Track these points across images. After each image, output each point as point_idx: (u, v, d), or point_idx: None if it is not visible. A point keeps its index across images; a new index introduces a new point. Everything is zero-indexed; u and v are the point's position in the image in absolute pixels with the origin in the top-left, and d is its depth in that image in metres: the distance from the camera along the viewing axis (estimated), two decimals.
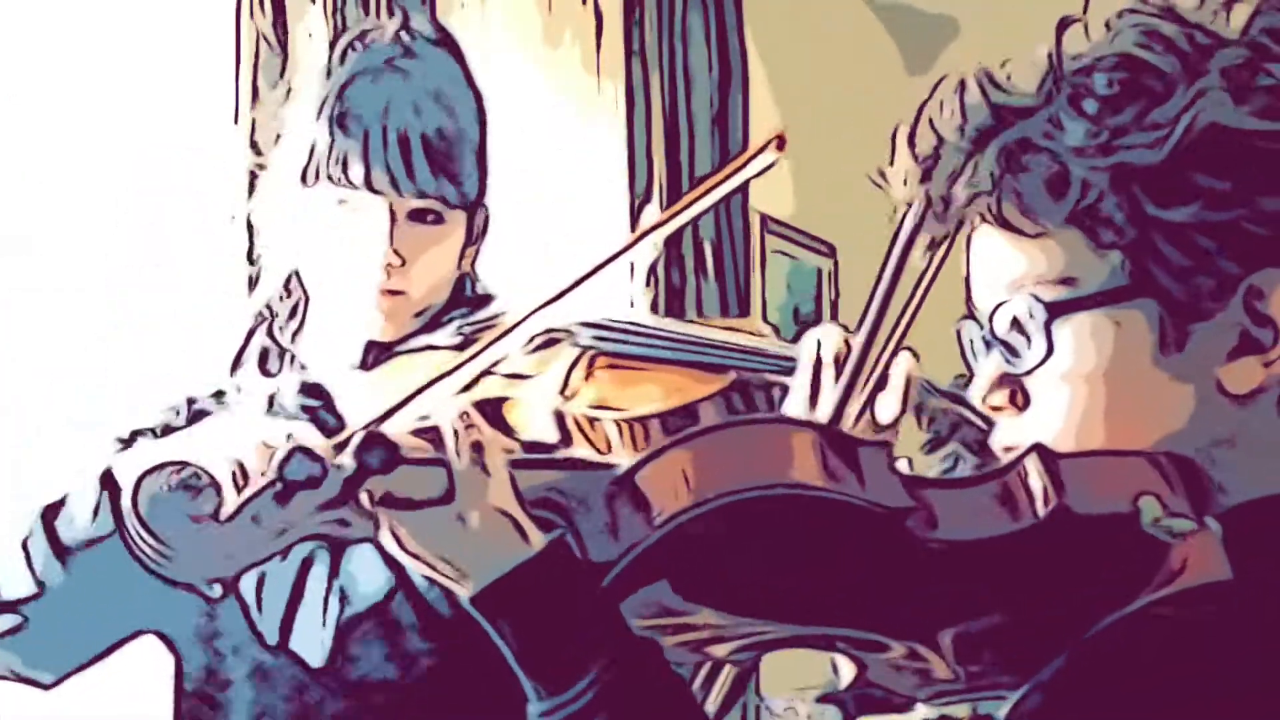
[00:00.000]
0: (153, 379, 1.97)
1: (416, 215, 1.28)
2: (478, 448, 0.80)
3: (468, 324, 1.30)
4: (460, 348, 1.20)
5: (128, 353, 2.03)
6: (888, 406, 1.09)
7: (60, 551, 1.20)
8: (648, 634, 0.79)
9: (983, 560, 0.73)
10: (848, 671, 0.79)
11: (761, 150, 1.13)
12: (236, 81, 2.17)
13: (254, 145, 1.82)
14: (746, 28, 2.71)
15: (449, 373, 1.14)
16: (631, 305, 2.49)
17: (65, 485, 1.34)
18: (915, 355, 1.07)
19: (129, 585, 1.18)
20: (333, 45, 1.89)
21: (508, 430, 1.18)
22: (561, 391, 1.18)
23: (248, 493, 0.89)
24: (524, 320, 1.14)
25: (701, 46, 2.65)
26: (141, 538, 1.06)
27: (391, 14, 2.06)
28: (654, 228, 1.23)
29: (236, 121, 2.15)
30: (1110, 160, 0.73)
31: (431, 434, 0.80)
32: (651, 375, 1.20)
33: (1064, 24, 0.77)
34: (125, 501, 1.10)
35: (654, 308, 2.62)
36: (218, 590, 1.23)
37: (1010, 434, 0.77)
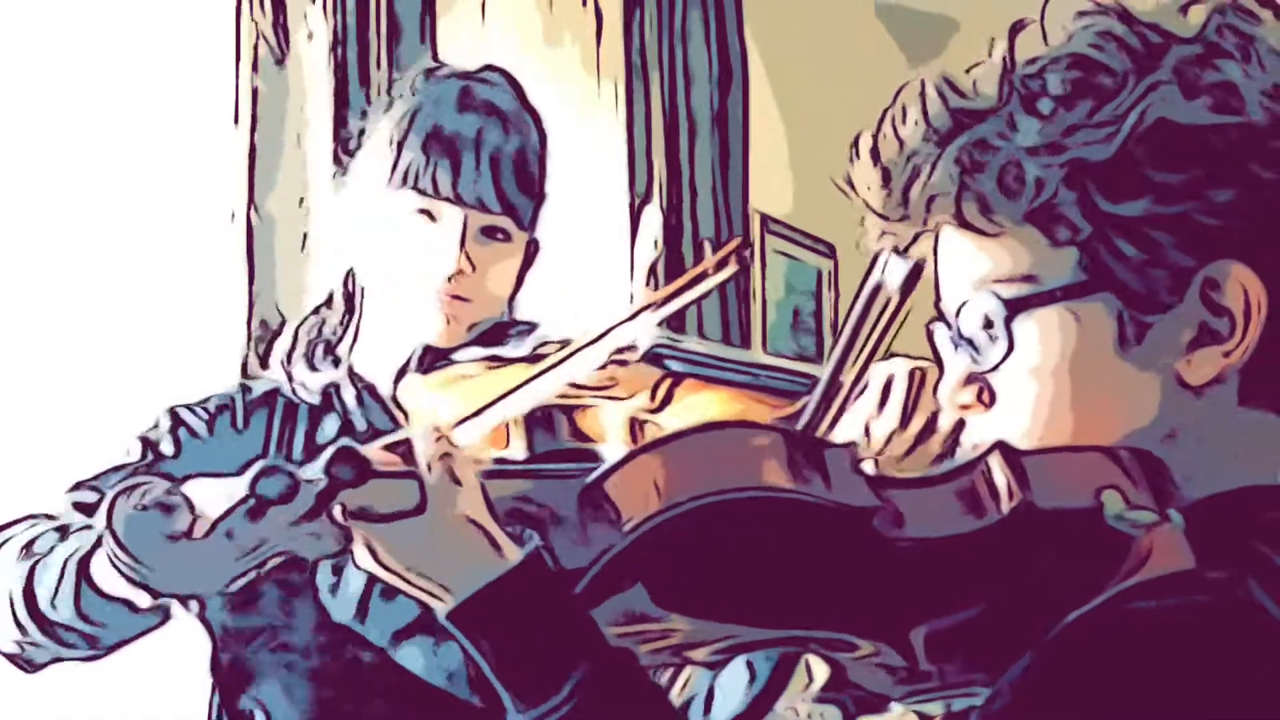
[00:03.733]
0: (151, 380, 1.96)
1: (488, 231, 1.35)
2: (448, 460, 0.80)
3: (532, 340, 1.33)
4: (530, 360, 1.22)
5: (125, 353, 2.04)
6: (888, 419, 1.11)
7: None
8: (623, 642, 0.79)
9: (950, 557, 0.73)
10: (822, 673, 0.80)
11: (726, 258, 1.19)
12: (236, 81, 2.16)
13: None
14: (746, 28, 2.69)
15: (534, 377, 1.16)
16: (631, 302, 2.43)
17: (62, 485, 1.35)
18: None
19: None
20: (335, 50, 2.12)
21: (581, 436, 1.21)
22: (648, 406, 1.19)
23: (220, 510, 0.89)
24: (606, 334, 1.16)
25: (701, 46, 2.63)
26: (118, 555, 1.05)
27: (391, 16, 2.16)
28: (646, 307, 1.25)
29: (236, 122, 2.15)
30: (1062, 158, 0.73)
31: (403, 448, 0.80)
32: (728, 395, 1.21)
33: (1017, 27, 0.77)
34: (99, 521, 1.09)
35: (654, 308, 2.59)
36: (195, 608, 1.28)
37: (980, 431, 0.78)
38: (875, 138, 0.80)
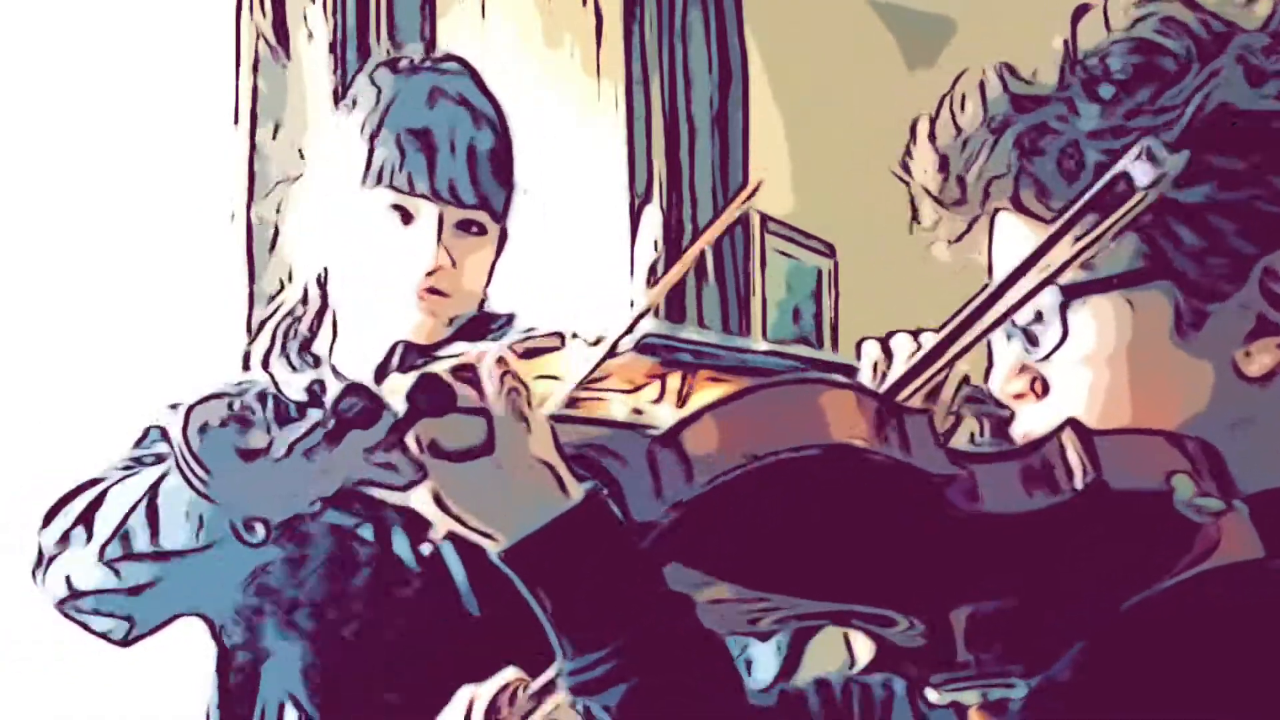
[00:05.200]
0: (150, 379, 1.96)
1: (463, 225, 1.35)
2: (516, 395, 0.79)
3: (516, 331, 1.33)
4: (525, 356, 1.18)
5: (124, 353, 2.04)
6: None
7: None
8: (712, 609, 0.78)
9: (1020, 533, 0.71)
10: (865, 653, 0.78)
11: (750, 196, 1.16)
12: (236, 81, 2.16)
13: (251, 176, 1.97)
14: (746, 27, 2.70)
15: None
16: (631, 305, 2.43)
17: (60, 485, 1.36)
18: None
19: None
20: (333, 47, 2.13)
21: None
22: (657, 399, 1.14)
23: (300, 430, 0.87)
24: (630, 329, 1.12)
25: (701, 46, 2.63)
26: (192, 468, 1.00)
27: (391, 17, 2.19)
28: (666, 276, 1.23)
29: (236, 122, 2.15)
30: (1123, 142, 0.72)
31: (469, 373, 0.80)
32: (725, 384, 1.16)
33: (1080, 12, 0.76)
34: (175, 431, 1.10)
35: (655, 310, 2.57)
36: (260, 533, 1.25)
37: (1031, 421, 0.76)
38: (933, 123, 0.79)
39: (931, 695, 0.75)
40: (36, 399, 1.93)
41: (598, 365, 1.09)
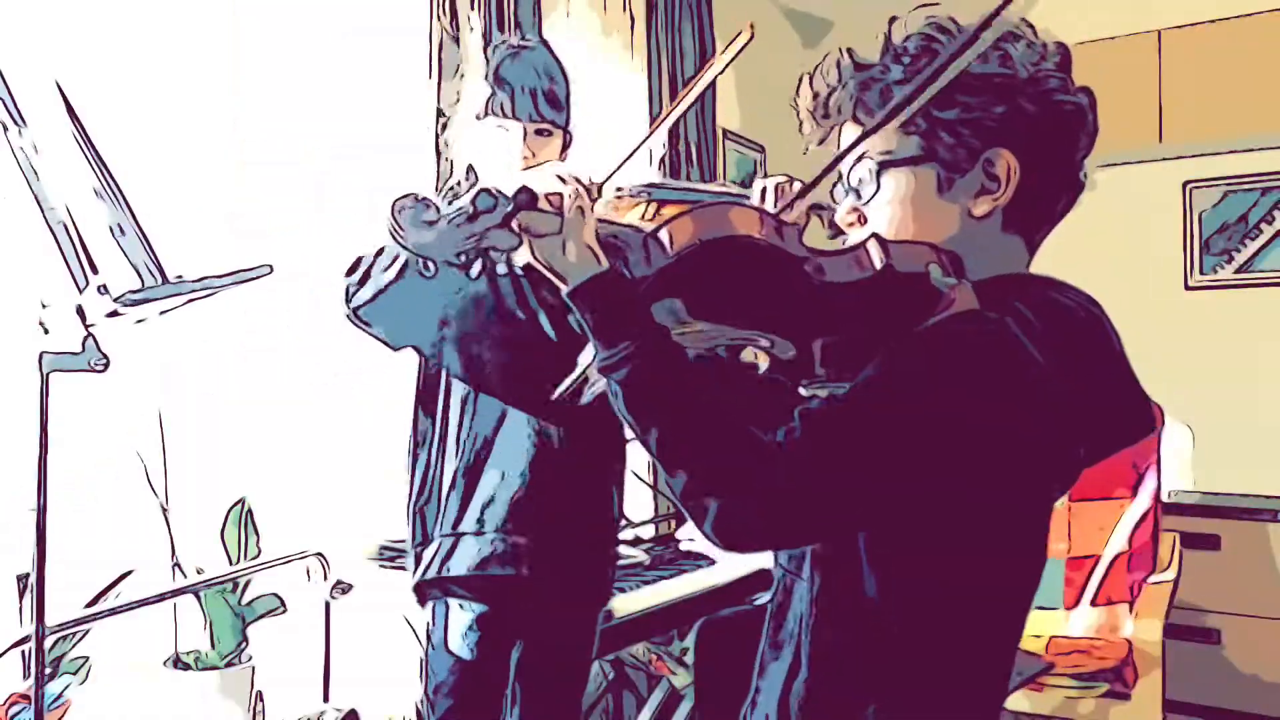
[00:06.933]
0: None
1: (539, 132, 1.64)
2: (580, 205, 0.88)
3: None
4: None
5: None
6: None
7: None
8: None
9: (848, 294, 0.81)
10: (764, 363, 0.88)
11: (736, 38, 1.22)
12: (429, 53, 2.50)
13: (439, 110, 2.15)
14: (716, 29, 3.27)
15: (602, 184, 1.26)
16: (650, 165, 2.82)
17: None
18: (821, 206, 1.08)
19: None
20: (485, 37, 2.43)
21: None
22: (642, 216, 1.30)
23: (452, 211, 0.94)
24: (617, 169, 1.26)
25: (689, 36, 3.19)
26: (396, 228, 1.07)
27: (517, 19, 2.59)
28: (670, 111, 1.35)
29: (430, 76, 2.48)
30: (912, 86, 0.86)
31: (556, 197, 0.89)
32: (680, 208, 1.19)
33: (892, 21, 0.91)
34: (389, 215, 1.12)
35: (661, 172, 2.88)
36: (431, 269, 1.39)
37: (856, 238, 0.88)
38: (811, 78, 0.92)
39: (802, 391, 0.87)
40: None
41: (621, 164, 1.22)
